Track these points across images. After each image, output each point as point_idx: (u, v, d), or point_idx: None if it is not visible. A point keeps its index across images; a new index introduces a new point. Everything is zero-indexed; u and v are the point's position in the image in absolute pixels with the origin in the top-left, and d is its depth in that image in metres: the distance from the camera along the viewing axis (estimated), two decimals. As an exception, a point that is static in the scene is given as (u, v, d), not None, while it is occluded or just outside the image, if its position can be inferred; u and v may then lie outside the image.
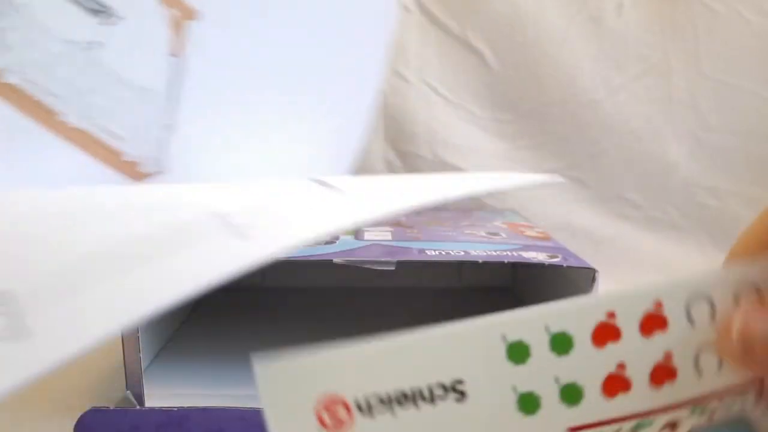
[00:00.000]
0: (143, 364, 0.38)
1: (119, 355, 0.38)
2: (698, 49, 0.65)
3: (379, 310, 0.53)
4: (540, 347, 0.18)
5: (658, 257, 0.66)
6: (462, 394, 0.18)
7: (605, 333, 0.18)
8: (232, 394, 0.38)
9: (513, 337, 0.18)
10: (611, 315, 0.18)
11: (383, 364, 0.18)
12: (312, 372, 0.18)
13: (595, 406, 0.18)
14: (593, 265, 0.37)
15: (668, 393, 0.18)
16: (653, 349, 0.18)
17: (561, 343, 0.18)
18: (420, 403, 0.18)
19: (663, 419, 0.19)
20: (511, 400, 0.18)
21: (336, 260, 0.38)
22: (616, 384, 0.18)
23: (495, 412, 0.18)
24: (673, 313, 0.18)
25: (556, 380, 0.18)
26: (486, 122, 0.66)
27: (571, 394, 0.18)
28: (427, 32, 0.65)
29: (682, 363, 0.19)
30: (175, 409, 0.32)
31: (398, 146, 0.66)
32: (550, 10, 0.65)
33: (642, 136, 0.66)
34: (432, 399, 0.18)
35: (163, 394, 0.39)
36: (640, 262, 0.66)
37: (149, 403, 0.37)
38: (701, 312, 0.19)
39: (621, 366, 0.18)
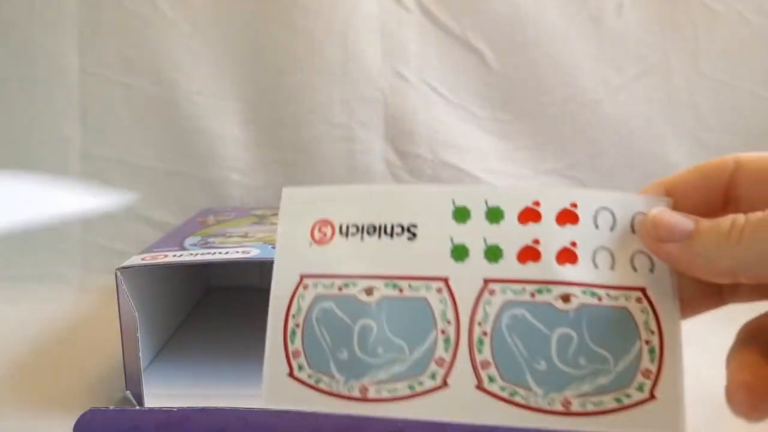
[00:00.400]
0: (143, 364, 0.38)
1: (118, 355, 0.38)
2: (698, 49, 0.65)
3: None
4: (478, 214, 0.24)
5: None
6: (414, 235, 0.25)
7: (529, 215, 0.24)
8: (232, 394, 0.38)
9: (460, 202, 0.25)
10: (537, 203, 0.24)
11: (366, 203, 0.25)
12: (318, 201, 0.26)
13: (508, 267, 0.24)
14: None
15: (568, 272, 0.24)
16: (563, 235, 0.24)
17: (494, 215, 0.24)
18: (382, 235, 0.25)
19: (559, 290, 0.24)
20: (447, 247, 0.24)
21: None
22: (528, 254, 0.24)
23: (433, 252, 0.24)
24: (584, 214, 0.24)
25: (484, 240, 0.24)
26: (486, 122, 0.66)
27: (493, 253, 0.24)
28: (427, 32, 0.65)
29: (583, 254, 0.24)
30: (175, 409, 0.32)
31: (398, 146, 0.66)
32: (550, 10, 0.64)
33: (642, 136, 0.66)
34: (391, 234, 0.25)
35: (162, 394, 0.38)
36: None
37: (149, 403, 0.37)
38: (605, 220, 0.24)
39: (536, 241, 0.24)
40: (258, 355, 0.24)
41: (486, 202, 0.24)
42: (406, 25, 0.64)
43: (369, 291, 0.25)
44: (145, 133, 0.65)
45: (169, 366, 0.43)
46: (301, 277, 0.25)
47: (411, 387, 0.24)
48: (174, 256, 0.39)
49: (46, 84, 0.64)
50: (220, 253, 0.39)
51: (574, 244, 0.24)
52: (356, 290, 0.25)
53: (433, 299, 0.24)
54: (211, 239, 0.44)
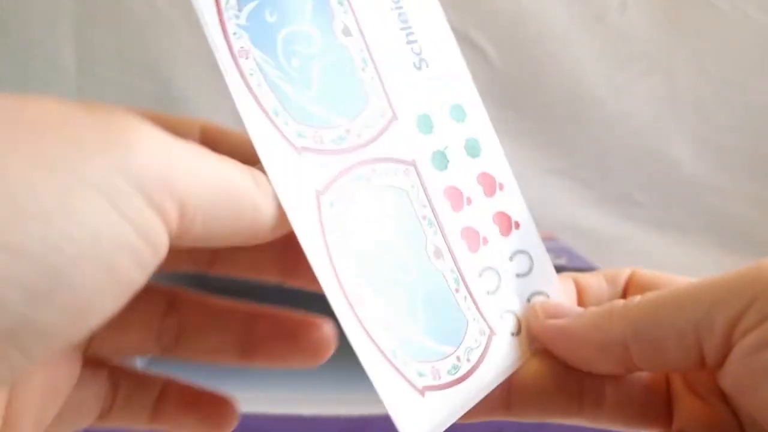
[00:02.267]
0: (139, 366, 0.37)
1: (115, 358, 0.38)
2: (702, 47, 0.65)
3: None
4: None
5: (663, 257, 0.65)
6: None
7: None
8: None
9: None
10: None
11: None
12: None
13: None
14: (598, 265, 0.36)
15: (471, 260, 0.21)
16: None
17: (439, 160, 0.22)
18: None
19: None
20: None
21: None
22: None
23: None
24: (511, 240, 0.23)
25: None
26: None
27: (438, 160, 0.22)
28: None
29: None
30: (172, 413, 0.31)
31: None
32: (553, 8, 0.64)
33: (646, 135, 0.65)
34: None
35: (160, 398, 0.38)
36: (645, 261, 0.65)
37: (146, 406, 0.37)
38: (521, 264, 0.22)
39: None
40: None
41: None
42: (407, 23, 0.64)
43: None
44: (143, 133, 0.64)
45: (166, 368, 0.42)
46: None
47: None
48: (171, 256, 0.39)
49: (43, 83, 0.64)
50: (218, 253, 0.39)
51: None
52: None
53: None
54: (209, 239, 0.44)
